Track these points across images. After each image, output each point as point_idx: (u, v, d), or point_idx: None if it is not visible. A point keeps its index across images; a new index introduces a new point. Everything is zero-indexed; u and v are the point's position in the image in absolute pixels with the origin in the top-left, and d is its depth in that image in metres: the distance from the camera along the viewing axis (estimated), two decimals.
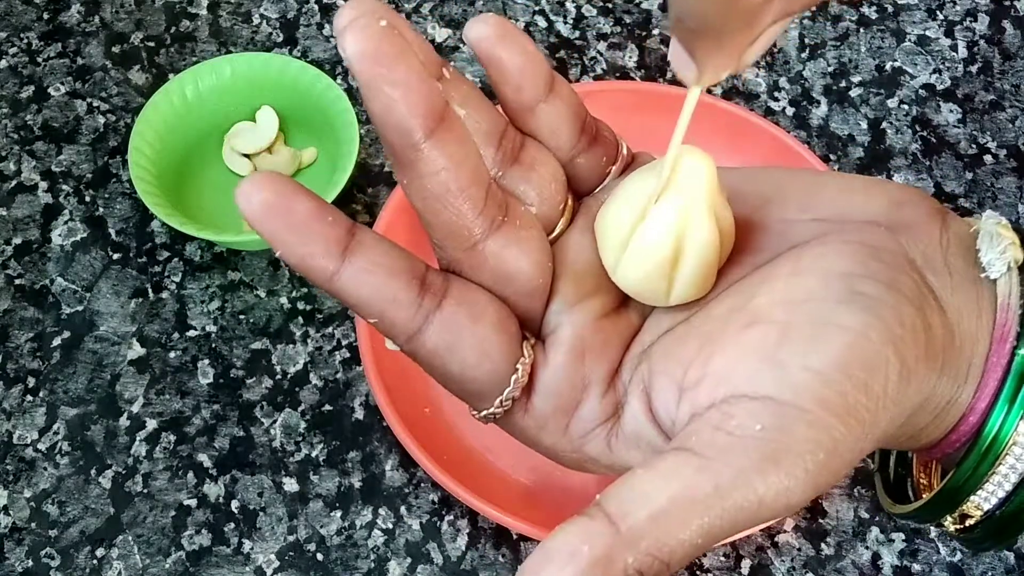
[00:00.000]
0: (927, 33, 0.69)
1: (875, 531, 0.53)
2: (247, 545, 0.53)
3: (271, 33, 0.68)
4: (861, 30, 0.69)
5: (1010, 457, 0.26)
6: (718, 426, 0.24)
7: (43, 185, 0.63)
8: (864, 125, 0.65)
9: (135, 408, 0.56)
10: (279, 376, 0.57)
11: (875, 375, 0.24)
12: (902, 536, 0.53)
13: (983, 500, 0.27)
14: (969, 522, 0.27)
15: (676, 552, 0.22)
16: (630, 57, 0.68)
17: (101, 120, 0.65)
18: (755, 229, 0.28)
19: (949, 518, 0.28)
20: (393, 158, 0.24)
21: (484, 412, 0.27)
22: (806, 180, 0.28)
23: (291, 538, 0.53)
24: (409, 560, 0.52)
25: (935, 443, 0.27)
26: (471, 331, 0.26)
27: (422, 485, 0.54)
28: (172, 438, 0.55)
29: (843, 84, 0.67)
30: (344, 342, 0.58)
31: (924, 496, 0.30)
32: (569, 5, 0.70)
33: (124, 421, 0.56)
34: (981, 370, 0.26)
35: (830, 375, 0.23)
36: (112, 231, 0.61)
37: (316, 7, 0.69)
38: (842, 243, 0.26)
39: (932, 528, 0.46)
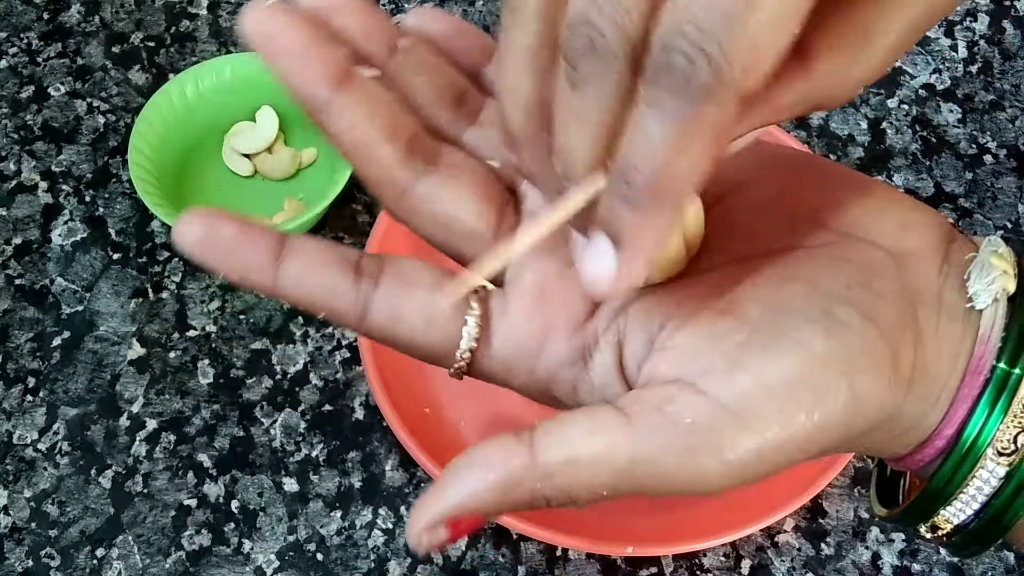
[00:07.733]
0: (927, 33, 0.69)
1: (875, 531, 0.53)
2: (247, 545, 0.53)
3: None
4: None
5: (983, 471, 0.26)
6: (658, 405, 0.25)
7: (43, 185, 0.63)
8: (864, 125, 0.65)
9: (135, 408, 0.56)
10: (279, 376, 0.57)
11: (822, 399, 0.24)
12: (902, 536, 0.53)
13: (952, 515, 0.27)
14: (939, 533, 0.28)
15: (582, 495, 0.25)
16: None
17: (101, 120, 0.65)
18: (764, 215, 0.28)
19: (923, 527, 0.28)
20: (311, 120, 0.26)
21: (452, 369, 0.28)
22: (823, 182, 0.29)
23: (291, 538, 0.53)
24: (409, 560, 0.52)
25: (900, 458, 0.28)
26: (409, 299, 0.27)
27: (422, 485, 0.54)
28: (172, 438, 0.55)
29: None
30: (344, 342, 0.58)
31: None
32: None
33: (124, 421, 0.56)
34: (951, 399, 0.26)
35: (776, 389, 0.24)
36: (112, 231, 0.61)
37: None
38: (839, 260, 0.26)
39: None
